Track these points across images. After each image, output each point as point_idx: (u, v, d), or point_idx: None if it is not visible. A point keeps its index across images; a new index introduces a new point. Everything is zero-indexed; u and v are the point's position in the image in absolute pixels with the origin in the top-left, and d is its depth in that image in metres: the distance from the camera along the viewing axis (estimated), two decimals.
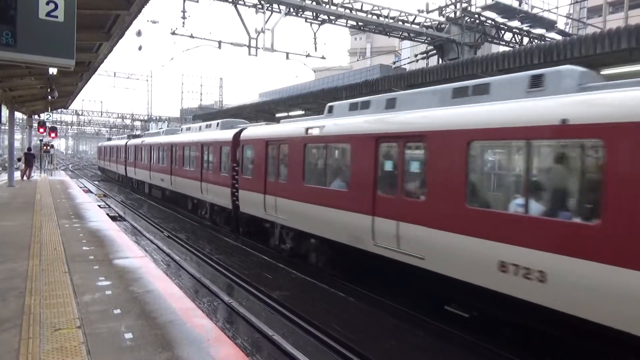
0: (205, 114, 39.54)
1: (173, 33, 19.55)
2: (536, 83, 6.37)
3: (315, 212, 9.95)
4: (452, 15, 23.64)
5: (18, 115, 29.13)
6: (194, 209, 19.40)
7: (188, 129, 21.24)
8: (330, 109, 10.65)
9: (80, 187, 25.80)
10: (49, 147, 35.19)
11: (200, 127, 19.47)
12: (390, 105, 8.79)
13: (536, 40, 24.81)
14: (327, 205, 9.55)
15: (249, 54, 19.47)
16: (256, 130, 13.59)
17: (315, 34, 21.41)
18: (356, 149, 8.92)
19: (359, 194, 8.65)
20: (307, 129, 10.48)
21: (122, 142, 33.73)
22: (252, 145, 13.25)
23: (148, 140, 26.27)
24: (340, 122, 9.69)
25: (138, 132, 49.22)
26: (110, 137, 54.83)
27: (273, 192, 11.74)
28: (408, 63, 29.34)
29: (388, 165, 8.44)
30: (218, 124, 17.36)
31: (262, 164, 12.35)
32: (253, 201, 12.82)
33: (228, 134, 15.20)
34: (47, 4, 4.50)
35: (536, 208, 5.80)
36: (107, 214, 15.05)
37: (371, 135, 8.50)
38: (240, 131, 14.43)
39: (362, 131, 8.82)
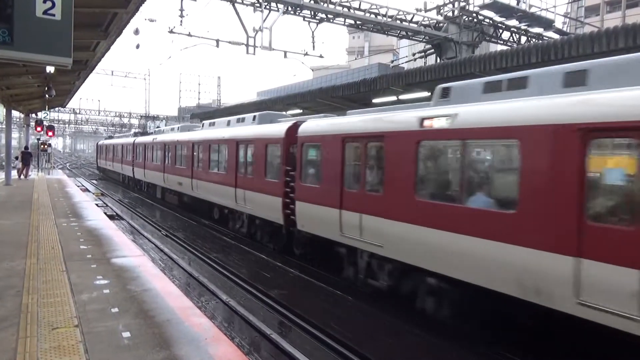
0: (203, 113, 39.48)
1: (171, 31, 19.55)
2: None
3: (438, 241, 6.88)
4: (450, 14, 23.68)
5: (15, 113, 29.03)
6: (222, 220, 16.28)
7: (212, 124, 18.11)
8: (446, 93, 7.74)
9: (78, 186, 25.75)
10: (46, 146, 35.11)
11: (229, 122, 16.32)
12: (575, 80, 5.92)
13: (534, 39, 24.86)
14: (466, 232, 6.46)
15: (247, 52, 19.47)
16: (324, 124, 10.42)
17: (313, 32, 21.42)
18: (533, 148, 5.78)
19: (540, 219, 5.59)
20: (421, 120, 7.40)
21: (129, 140, 30.53)
22: (320, 143, 10.17)
23: (161, 137, 23.15)
24: (492, 108, 6.53)
25: (136, 131, 48.39)
26: (112, 134, 54.07)
27: (356, 207, 8.72)
28: (406, 62, 29.34)
29: (614, 176, 5.21)
30: (255, 117, 14.46)
31: (337, 168, 9.35)
32: (320, 217, 9.82)
33: (278, 129, 12.16)
34: (44, 2, 4.49)
35: None
36: (105, 213, 15.03)
37: (570, 127, 5.35)
38: (296, 125, 11.42)
39: (549, 120, 5.65)
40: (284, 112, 15.14)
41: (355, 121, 9.42)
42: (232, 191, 14.16)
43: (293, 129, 11.38)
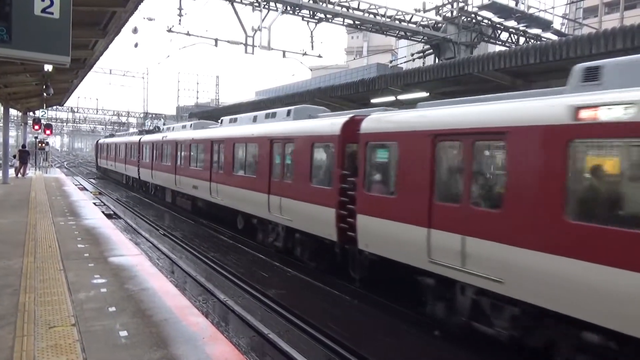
0: (201, 112, 39.48)
1: (169, 30, 19.57)
2: None
3: (612, 283, 4.83)
4: (448, 14, 23.76)
5: (13, 112, 28.95)
6: (248, 230, 13.94)
7: (233, 120, 15.99)
8: (594, 74, 5.71)
9: (76, 185, 25.71)
10: (44, 144, 35.01)
11: (255, 118, 14.25)
12: None
13: (532, 40, 24.93)
14: None
15: (246, 52, 19.54)
16: (402, 118, 8.42)
17: (312, 32, 21.47)
18: None
19: None
20: (575, 110, 5.35)
21: (134, 138, 28.28)
22: (396, 141, 8.03)
23: (173, 135, 20.97)
24: None
25: (134, 130, 48.02)
26: (112, 132, 53.64)
27: (454, 226, 6.65)
28: (404, 62, 29.40)
29: None
30: (289, 111, 12.38)
31: (424, 174, 7.24)
32: (395, 237, 7.82)
33: (329, 124, 10.06)
34: (43, 0, 4.48)
35: None
36: (102, 212, 15.03)
37: None
38: (354, 120, 9.45)
39: None
40: (323, 107, 13.13)
41: (453, 114, 7.19)
42: (264, 198, 12.02)
43: (350, 125, 9.41)
